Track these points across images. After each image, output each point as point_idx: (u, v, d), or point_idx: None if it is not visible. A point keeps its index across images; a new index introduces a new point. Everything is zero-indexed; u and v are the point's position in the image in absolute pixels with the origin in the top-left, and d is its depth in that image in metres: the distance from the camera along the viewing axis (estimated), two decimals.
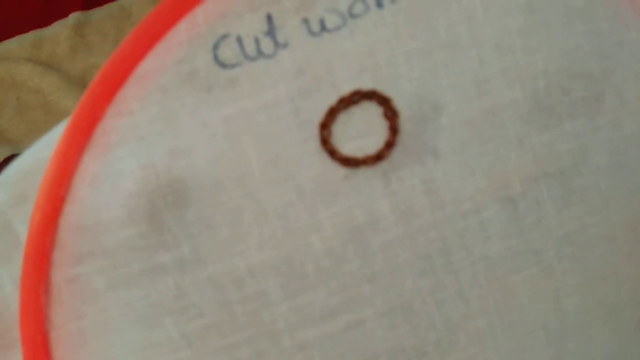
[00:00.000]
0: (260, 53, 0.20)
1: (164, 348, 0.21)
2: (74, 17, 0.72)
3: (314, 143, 0.21)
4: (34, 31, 0.71)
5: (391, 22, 0.20)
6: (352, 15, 0.20)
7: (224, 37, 0.20)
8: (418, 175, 0.21)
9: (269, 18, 0.20)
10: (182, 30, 0.20)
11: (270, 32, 0.20)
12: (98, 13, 0.72)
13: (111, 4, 0.72)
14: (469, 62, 0.21)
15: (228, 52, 0.20)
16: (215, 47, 0.20)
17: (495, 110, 0.21)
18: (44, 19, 0.71)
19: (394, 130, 0.21)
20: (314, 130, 0.21)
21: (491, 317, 0.22)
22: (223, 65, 0.20)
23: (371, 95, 0.21)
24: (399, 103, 0.21)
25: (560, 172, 0.22)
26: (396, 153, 0.21)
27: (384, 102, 0.21)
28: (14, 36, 0.70)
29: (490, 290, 0.22)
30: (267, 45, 0.20)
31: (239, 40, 0.20)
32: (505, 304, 0.22)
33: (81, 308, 0.21)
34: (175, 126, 0.20)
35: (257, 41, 0.20)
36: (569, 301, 0.22)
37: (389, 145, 0.21)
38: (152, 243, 0.21)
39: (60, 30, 0.71)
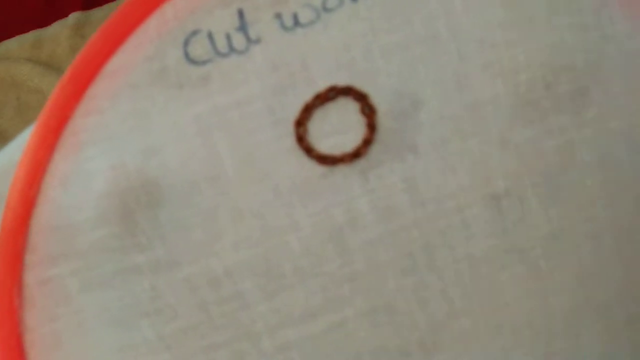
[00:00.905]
0: (232, 49, 0.20)
1: (141, 350, 0.21)
2: (74, 17, 0.72)
3: (290, 141, 0.20)
4: (34, 31, 0.71)
5: (366, 16, 0.20)
6: (326, 10, 0.20)
7: (195, 33, 0.19)
8: (398, 172, 0.21)
9: (241, 13, 0.20)
10: (152, 26, 0.19)
11: (242, 27, 0.20)
12: (98, 13, 0.72)
13: (111, 4, 0.72)
14: (448, 56, 0.20)
15: (199, 48, 0.20)
16: (186, 43, 0.19)
17: (476, 105, 0.21)
18: (44, 19, 0.71)
19: (371, 127, 0.20)
20: (290, 128, 0.20)
21: (476, 316, 0.22)
22: (194, 62, 0.20)
23: (348, 91, 0.20)
24: (376, 99, 0.20)
25: (545, 168, 0.21)
26: (374, 150, 0.20)
27: (361, 98, 0.20)
28: (13, 36, 0.70)
29: (474, 289, 0.22)
30: (239, 41, 0.20)
31: (210, 36, 0.20)
32: (490, 303, 0.22)
33: (55, 310, 0.20)
34: (146, 125, 0.20)
35: (228, 37, 0.20)
36: (556, 299, 0.22)
37: (367, 142, 0.20)
38: (125, 244, 0.20)
39: (60, 30, 0.71)
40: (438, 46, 0.20)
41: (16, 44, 0.70)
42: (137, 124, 0.20)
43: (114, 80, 0.19)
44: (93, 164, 0.20)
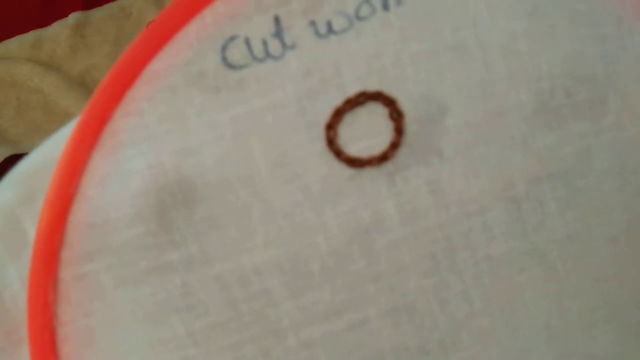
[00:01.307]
0: (268, 54, 0.20)
1: (171, 345, 0.21)
2: (74, 17, 0.72)
3: (320, 143, 0.21)
4: (34, 31, 0.71)
5: (397, 25, 0.21)
6: (359, 18, 0.20)
7: (232, 38, 0.20)
8: (423, 176, 0.21)
9: (277, 20, 0.20)
10: (192, 32, 0.20)
11: (278, 33, 0.20)
12: (98, 13, 0.72)
13: (111, 4, 0.72)
14: (475, 64, 0.21)
15: (236, 53, 0.20)
16: (224, 48, 0.20)
17: (500, 112, 0.21)
18: (44, 19, 0.72)
19: (399, 131, 0.21)
20: (321, 131, 0.21)
21: (494, 317, 0.22)
22: (231, 66, 0.20)
23: (377, 97, 0.21)
24: (404, 104, 0.21)
25: (563, 173, 0.22)
26: (401, 154, 0.21)
27: (390, 103, 0.21)
28: (14, 36, 0.71)
29: (493, 290, 0.22)
30: (274, 46, 0.20)
31: (247, 41, 0.20)
32: (508, 304, 0.22)
33: (89, 306, 0.21)
34: (183, 126, 0.20)
35: (264, 43, 0.20)
36: (572, 301, 0.23)
37: (394, 146, 0.21)
38: (160, 241, 0.21)
39: (60, 30, 0.71)
40: (465, 54, 0.21)
41: (16, 44, 0.70)
42: (174, 126, 0.20)
43: (153, 83, 0.20)
44: (131, 163, 0.20)
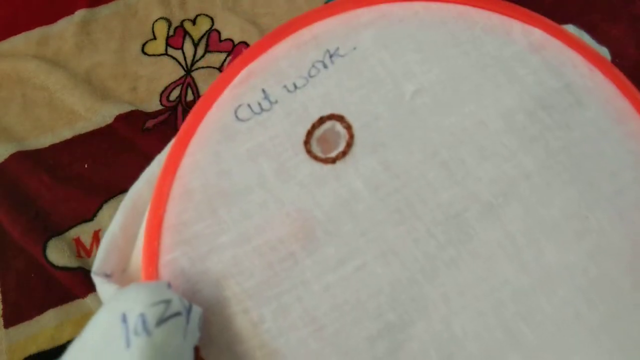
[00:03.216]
0: (262, 109, 0.32)
1: (232, 301, 0.29)
2: (79, 14, 0.72)
3: (303, 154, 0.31)
4: (39, 28, 0.71)
5: (334, 74, 0.33)
6: (311, 76, 0.33)
7: (240, 106, 0.33)
8: (375, 160, 0.31)
9: (264, 91, 0.33)
10: (215, 108, 0.33)
11: (266, 97, 0.33)
12: (104, 10, 0.72)
13: (117, 1, 0.72)
14: (387, 86, 0.32)
15: (243, 112, 0.32)
16: (235, 112, 0.33)
17: (412, 109, 0.32)
18: (49, 16, 0.71)
19: (351, 135, 0.31)
20: (302, 146, 0.32)
21: (457, 246, 0.29)
22: (241, 120, 0.32)
23: (331, 117, 0.32)
24: (350, 118, 0.32)
25: (467, 140, 0.31)
26: (357, 149, 0.31)
27: (340, 119, 0.32)
28: (20, 33, 0.70)
29: (450, 226, 0.30)
30: (265, 104, 0.32)
31: (249, 105, 0.33)
32: (464, 235, 0.29)
33: (174, 282, 0.29)
34: (218, 159, 0.32)
35: (259, 104, 0.32)
36: (513, 225, 0.29)
37: (349, 145, 0.31)
38: (214, 230, 0.30)
39: (66, 27, 0.71)
40: (379, 82, 0.33)
41: (22, 41, 0.70)
42: (213, 160, 0.32)
43: (200, 136, 0.32)
44: (191, 185, 0.31)
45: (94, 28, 0.68)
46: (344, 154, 0.31)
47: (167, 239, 0.30)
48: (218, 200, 0.31)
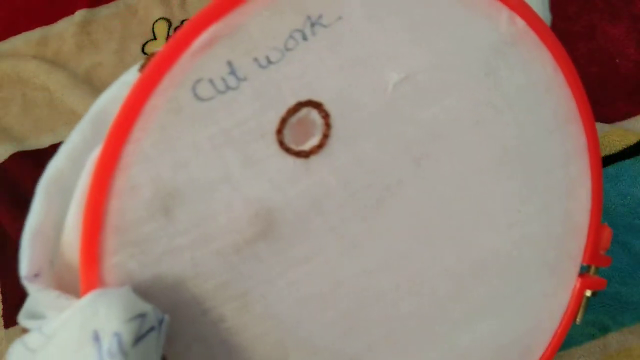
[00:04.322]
0: (228, 87, 0.26)
1: (191, 303, 0.27)
2: (80, 14, 0.72)
3: (275, 145, 0.27)
4: (40, 28, 0.71)
5: (315, 49, 0.27)
6: (288, 49, 0.27)
7: (199, 81, 0.26)
8: (351, 154, 0.28)
9: (230, 64, 0.26)
10: (167, 81, 0.26)
11: (233, 72, 0.26)
12: (104, 10, 0.72)
13: (117, 2, 0.72)
14: (370, 71, 0.28)
15: (204, 90, 0.26)
16: (193, 88, 0.26)
17: (392, 103, 0.29)
18: (50, 16, 0.71)
19: (328, 125, 0.28)
20: (274, 136, 0.27)
21: (412, 217, 0.30)
22: (202, 99, 0.26)
23: (308, 104, 0.27)
24: (328, 106, 0.28)
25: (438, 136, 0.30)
26: (333, 142, 0.28)
27: (318, 106, 0.27)
28: (20, 33, 0.70)
29: (405, 196, 0.30)
30: (232, 81, 0.26)
31: (211, 81, 0.26)
32: (417, 205, 0.30)
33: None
34: (173, 148, 0.26)
35: (224, 80, 0.26)
36: (445, 193, 0.30)
37: (326, 136, 0.28)
38: (169, 232, 0.26)
39: (66, 28, 0.71)
40: (365, 66, 0.28)
41: (22, 41, 0.70)
42: (165, 148, 0.26)
43: (148, 117, 0.26)
44: (138, 179, 0.26)
45: (94, 28, 0.68)
46: (319, 147, 0.28)
47: (109, 240, 0.26)
48: (173, 198, 0.26)
